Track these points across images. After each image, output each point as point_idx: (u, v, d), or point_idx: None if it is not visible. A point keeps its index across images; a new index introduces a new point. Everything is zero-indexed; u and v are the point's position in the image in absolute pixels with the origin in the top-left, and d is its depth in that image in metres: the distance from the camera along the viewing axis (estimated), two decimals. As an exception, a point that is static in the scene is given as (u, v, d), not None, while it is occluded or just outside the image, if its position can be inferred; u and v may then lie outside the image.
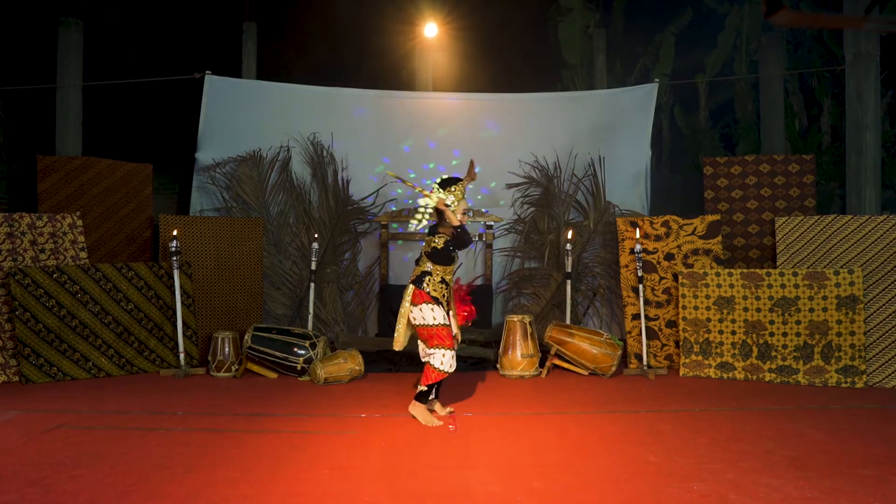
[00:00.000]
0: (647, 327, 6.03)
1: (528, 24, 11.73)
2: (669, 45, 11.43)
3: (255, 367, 5.91)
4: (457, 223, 4.48)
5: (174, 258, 5.87)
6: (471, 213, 6.76)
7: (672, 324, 6.17)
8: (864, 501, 3.00)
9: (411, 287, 4.42)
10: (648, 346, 6.06)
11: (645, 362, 5.94)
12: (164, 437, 3.98)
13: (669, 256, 6.31)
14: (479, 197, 7.80)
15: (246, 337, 5.82)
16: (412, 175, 7.68)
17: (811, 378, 5.44)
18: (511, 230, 7.60)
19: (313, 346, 5.81)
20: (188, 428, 4.20)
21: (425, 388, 4.36)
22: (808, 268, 5.80)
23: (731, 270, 5.80)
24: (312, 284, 6.50)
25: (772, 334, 5.59)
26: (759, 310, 5.64)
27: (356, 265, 7.56)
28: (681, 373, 5.87)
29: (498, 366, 6.03)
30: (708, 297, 5.81)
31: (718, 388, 5.36)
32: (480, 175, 7.73)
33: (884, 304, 5.50)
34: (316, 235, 6.74)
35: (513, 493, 3.12)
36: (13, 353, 5.60)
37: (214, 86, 7.52)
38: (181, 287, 5.95)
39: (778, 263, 6.18)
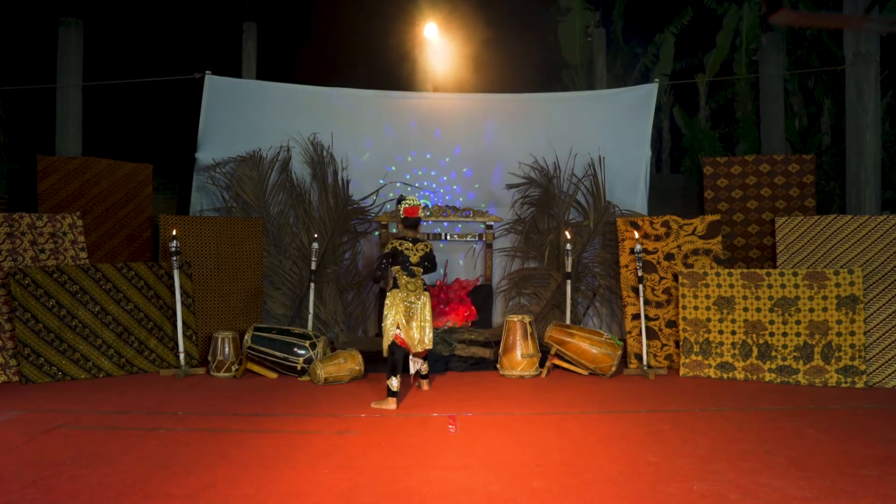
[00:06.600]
0: (647, 327, 6.03)
1: (527, 24, 11.73)
2: (669, 45, 11.44)
3: (255, 367, 5.91)
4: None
5: (174, 258, 5.87)
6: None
7: (672, 324, 6.17)
8: (864, 501, 3.00)
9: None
10: (648, 346, 6.06)
11: (645, 362, 5.94)
12: (164, 437, 3.98)
13: (669, 256, 6.31)
14: (480, 202, 7.82)
15: (246, 337, 5.82)
16: (412, 174, 7.69)
17: (811, 378, 5.44)
18: (511, 230, 7.60)
19: (313, 346, 5.81)
20: (188, 428, 4.20)
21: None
22: (808, 268, 5.80)
23: (731, 270, 5.80)
24: (312, 284, 6.50)
25: (772, 334, 5.59)
26: (759, 310, 5.64)
27: (356, 265, 7.56)
28: (681, 373, 5.87)
29: (498, 366, 6.03)
30: (708, 297, 5.81)
31: (718, 388, 5.36)
32: (479, 174, 7.81)
33: (884, 304, 5.50)
34: (316, 235, 6.74)
35: (513, 493, 3.12)
36: (13, 353, 5.60)
37: (214, 86, 7.52)
38: (181, 287, 5.95)
39: (778, 263, 6.18)
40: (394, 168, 7.78)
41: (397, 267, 5.06)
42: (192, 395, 5.16)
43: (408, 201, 5.15)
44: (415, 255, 5.09)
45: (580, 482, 3.25)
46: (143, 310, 6.07)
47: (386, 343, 4.98)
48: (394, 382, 4.81)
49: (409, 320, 5.01)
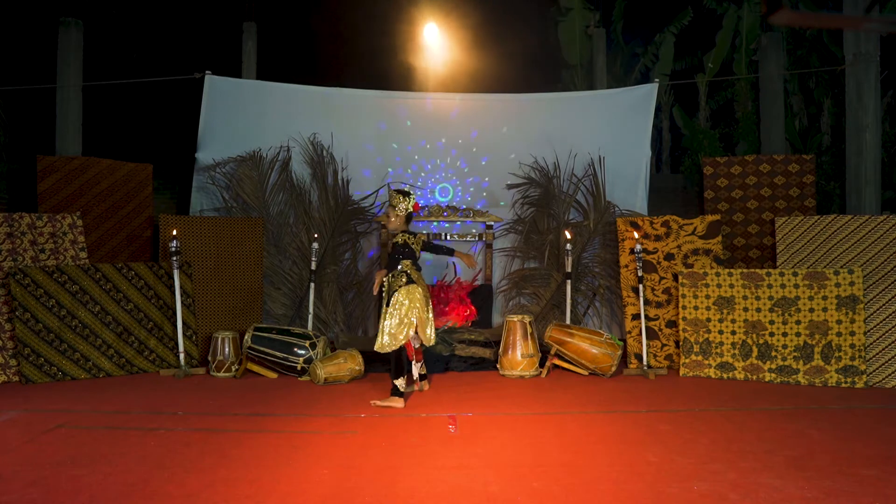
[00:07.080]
0: (647, 327, 6.03)
1: (527, 24, 11.73)
2: (669, 45, 11.44)
3: (255, 367, 5.91)
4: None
5: (174, 258, 5.87)
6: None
7: (672, 324, 6.17)
8: (864, 501, 3.00)
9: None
10: (648, 346, 6.06)
11: (645, 362, 5.94)
12: (164, 437, 3.98)
13: (669, 256, 6.31)
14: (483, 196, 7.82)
15: (246, 337, 5.82)
16: (412, 173, 7.68)
17: (811, 378, 5.44)
18: (511, 230, 7.60)
19: (313, 346, 5.81)
20: (188, 428, 4.20)
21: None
22: (808, 268, 5.80)
23: (731, 270, 5.79)
24: (312, 284, 6.51)
25: (772, 334, 5.59)
26: (759, 310, 5.64)
27: (356, 265, 7.56)
28: (681, 373, 5.87)
29: (498, 366, 6.03)
30: (708, 297, 5.81)
31: (718, 388, 5.36)
32: (479, 174, 7.81)
33: (884, 304, 5.50)
34: (316, 235, 6.74)
35: (513, 493, 3.12)
36: (13, 353, 5.60)
37: (214, 86, 7.52)
38: (181, 287, 5.95)
39: (778, 263, 6.18)
40: (392, 167, 7.78)
41: (408, 261, 5.00)
42: (192, 395, 5.16)
43: (413, 196, 5.22)
44: (416, 248, 5.11)
45: (580, 482, 3.25)
46: (143, 310, 6.07)
47: (395, 346, 4.86)
48: (401, 382, 4.81)
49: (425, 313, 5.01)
